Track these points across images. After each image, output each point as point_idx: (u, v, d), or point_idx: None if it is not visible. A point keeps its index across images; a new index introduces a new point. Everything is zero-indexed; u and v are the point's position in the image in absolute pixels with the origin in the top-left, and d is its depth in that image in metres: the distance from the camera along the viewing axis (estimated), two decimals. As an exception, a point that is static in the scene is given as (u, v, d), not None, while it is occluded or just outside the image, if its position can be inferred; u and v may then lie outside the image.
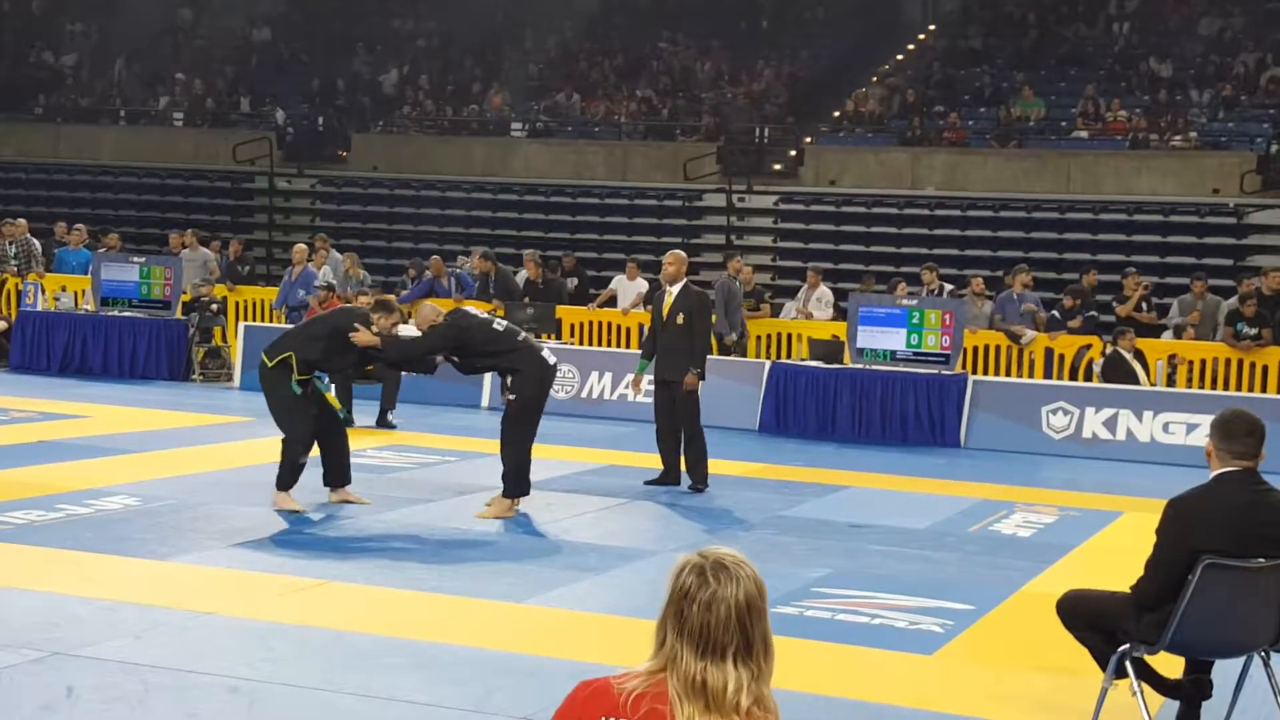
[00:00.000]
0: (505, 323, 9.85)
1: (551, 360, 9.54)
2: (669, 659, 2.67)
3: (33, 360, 16.49)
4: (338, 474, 9.48)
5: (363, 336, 9.13)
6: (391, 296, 10.14)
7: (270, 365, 9.18)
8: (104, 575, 7.34)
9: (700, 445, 10.71)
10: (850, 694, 5.94)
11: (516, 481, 9.37)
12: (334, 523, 8.94)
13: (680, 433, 10.73)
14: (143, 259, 17.19)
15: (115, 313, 16.53)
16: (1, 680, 5.56)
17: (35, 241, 19.15)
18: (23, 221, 19.40)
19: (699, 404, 10.70)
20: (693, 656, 2.65)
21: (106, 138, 27.45)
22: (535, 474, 10.22)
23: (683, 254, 11.14)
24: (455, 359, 9.48)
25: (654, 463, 11.98)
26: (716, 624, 2.64)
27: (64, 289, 17.54)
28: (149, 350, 16.36)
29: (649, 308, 17.32)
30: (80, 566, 7.48)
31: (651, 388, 11.29)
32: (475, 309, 10.41)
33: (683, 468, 10.78)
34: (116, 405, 13.90)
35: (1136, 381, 14.39)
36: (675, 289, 10.75)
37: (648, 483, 10.78)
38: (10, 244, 18.83)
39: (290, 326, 10.01)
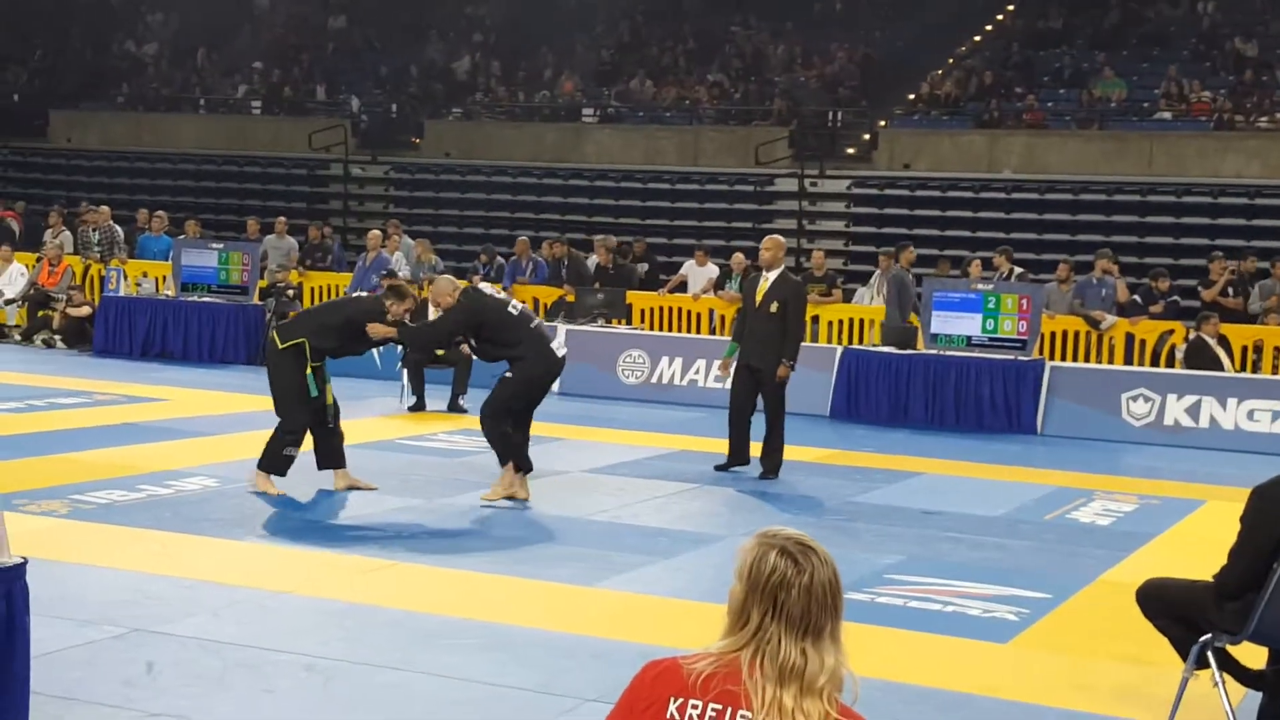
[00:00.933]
0: (521, 306, 9.58)
1: (561, 353, 9.41)
2: (758, 642, 2.65)
3: (115, 344, 16.79)
4: (332, 457, 9.29)
5: (378, 329, 8.99)
6: (402, 282, 9.97)
7: (281, 347, 9.05)
8: (183, 554, 7.45)
9: (780, 436, 10.59)
10: (924, 681, 5.88)
11: (504, 454, 9.16)
12: (405, 505, 9.01)
13: (750, 418, 10.64)
14: (221, 245, 17.43)
15: (195, 298, 16.78)
16: (84, 655, 5.67)
17: (118, 228, 19.51)
18: (105, 209, 19.77)
19: (784, 393, 10.55)
20: (792, 640, 2.64)
21: (186, 126, 27.87)
22: (607, 459, 10.24)
23: (781, 239, 10.93)
24: (473, 342, 9.35)
25: (724, 448, 11.95)
26: (817, 606, 2.64)
27: (145, 275, 17.84)
28: (227, 334, 16.59)
29: (720, 293, 17.36)
30: (161, 545, 7.61)
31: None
32: (491, 288, 10.25)
33: (754, 452, 10.69)
34: (196, 389, 14.13)
35: (1220, 368, 14.11)
36: (772, 275, 10.55)
37: (718, 468, 10.70)
38: (94, 231, 19.21)
39: (308, 308, 9.91)
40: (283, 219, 19.79)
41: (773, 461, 10.59)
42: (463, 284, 9.64)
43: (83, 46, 31.85)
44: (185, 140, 27.23)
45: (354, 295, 9.58)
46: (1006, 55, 25.63)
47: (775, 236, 10.95)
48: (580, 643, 6.21)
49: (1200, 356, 14.24)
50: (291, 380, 9.03)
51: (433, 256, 18.45)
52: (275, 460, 9.04)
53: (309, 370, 9.01)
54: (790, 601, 2.65)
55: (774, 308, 10.40)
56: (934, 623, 6.76)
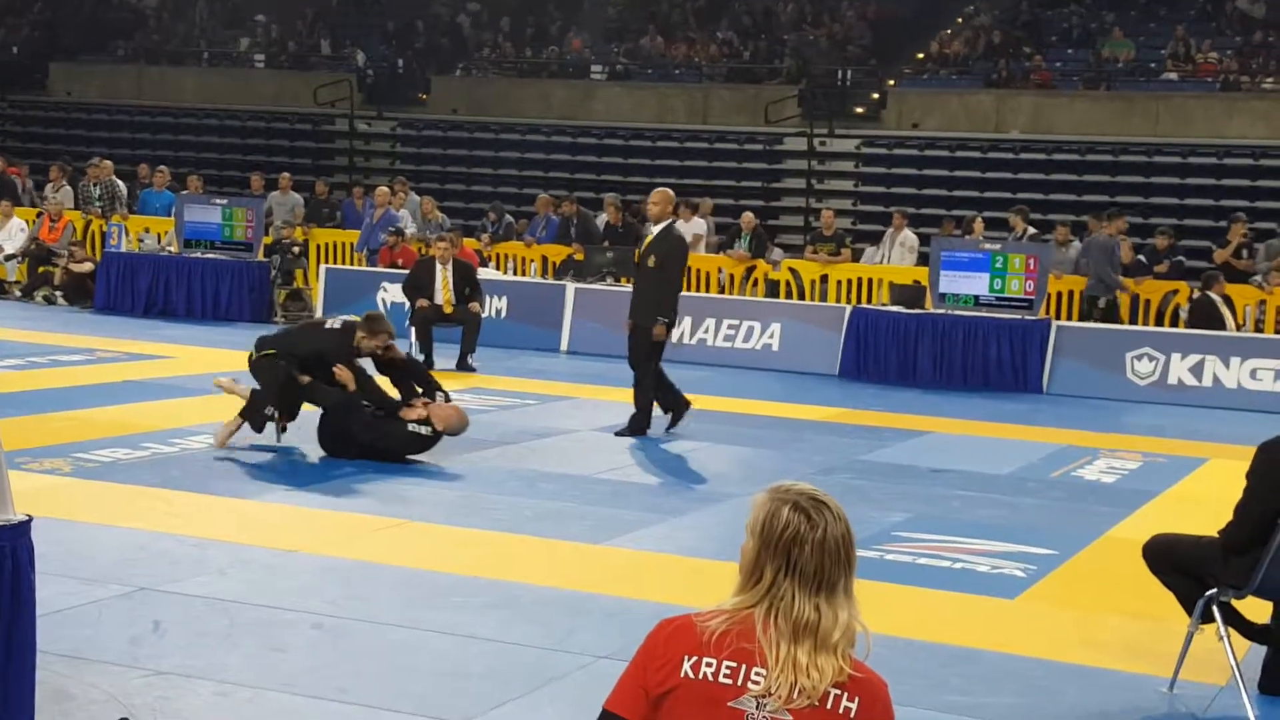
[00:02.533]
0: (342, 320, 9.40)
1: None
2: (771, 598, 2.64)
3: (117, 301, 16.75)
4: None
5: (343, 374, 8.85)
6: (381, 314, 9.54)
7: (255, 357, 9.17)
8: (190, 512, 7.46)
9: (648, 393, 10.12)
10: (932, 637, 5.89)
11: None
12: (413, 464, 9.00)
13: (659, 370, 10.17)
14: (225, 201, 17.37)
15: (198, 254, 16.74)
16: (90, 614, 5.68)
17: (120, 183, 19.42)
18: (108, 163, 19.68)
19: (659, 351, 10.09)
20: (805, 596, 2.62)
21: (188, 80, 27.71)
22: (616, 418, 10.27)
23: (669, 192, 10.27)
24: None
25: (735, 407, 11.99)
26: (830, 560, 2.63)
27: (147, 231, 17.78)
28: (231, 292, 16.54)
29: (729, 252, 17.30)
30: (167, 504, 7.61)
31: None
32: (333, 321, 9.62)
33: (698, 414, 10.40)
34: (200, 346, 14.11)
35: (1224, 327, 14.08)
36: (656, 229, 10.12)
37: (669, 429, 10.29)
38: (95, 186, 19.12)
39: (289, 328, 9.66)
40: (287, 175, 19.72)
41: (636, 423, 10.16)
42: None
43: (81, 1, 31.64)
44: (187, 94, 27.08)
45: (329, 327, 9.25)
46: (1015, 15, 25.43)
47: (663, 189, 10.31)
48: (591, 600, 6.22)
49: (1205, 315, 14.20)
50: (271, 375, 9.07)
51: (439, 214, 18.40)
52: (257, 418, 9.06)
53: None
54: (803, 557, 2.63)
55: (652, 262, 9.95)
56: (942, 579, 6.78)
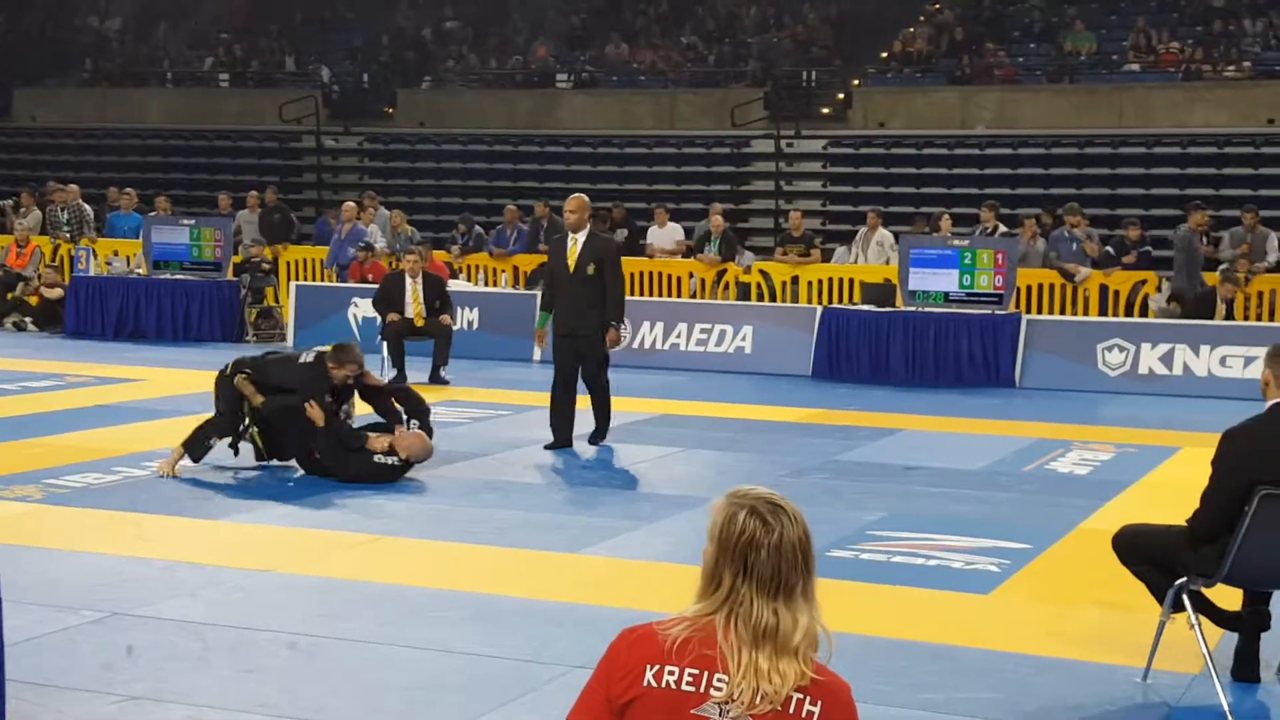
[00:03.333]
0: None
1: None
2: (730, 604, 2.65)
3: (87, 325, 16.66)
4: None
5: (313, 413, 8.77)
6: (350, 344, 9.35)
7: (228, 372, 9.08)
8: (161, 536, 7.42)
9: (608, 400, 10.02)
10: (907, 635, 5.91)
11: None
12: (389, 485, 8.96)
13: (575, 393, 9.98)
14: (193, 221, 17.29)
15: (167, 275, 16.66)
16: (62, 641, 5.64)
17: (87, 207, 19.32)
18: (74, 187, 19.58)
19: (608, 359, 9.99)
20: (763, 600, 2.63)
21: (153, 101, 27.58)
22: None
23: (584, 199, 10.02)
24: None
25: (708, 411, 12.00)
26: (786, 565, 2.63)
27: (116, 253, 17.69)
28: (202, 312, 16.47)
29: (700, 256, 17.30)
30: (138, 527, 7.57)
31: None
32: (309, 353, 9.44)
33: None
34: (170, 368, 14.04)
35: (1212, 318, 14.17)
36: (581, 236, 9.84)
37: (546, 447, 9.94)
38: (62, 210, 19.02)
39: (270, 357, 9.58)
40: (254, 193, 19.63)
41: (600, 429, 10.08)
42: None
43: (44, 23, 31.45)
44: (152, 115, 26.96)
45: (303, 360, 9.15)
46: (978, 11, 25.54)
47: (577, 196, 10.06)
48: (568, 610, 6.21)
49: (1206, 305, 14.29)
50: (229, 403, 9.07)
51: (409, 227, 18.36)
52: (200, 447, 9.02)
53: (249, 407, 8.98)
54: (760, 562, 2.63)
55: (591, 269, 9.73)
56: (917, 576, 6.79)
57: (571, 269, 9.81)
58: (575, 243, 9.85)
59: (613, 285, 9.80)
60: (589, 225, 9.98)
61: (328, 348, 9.17)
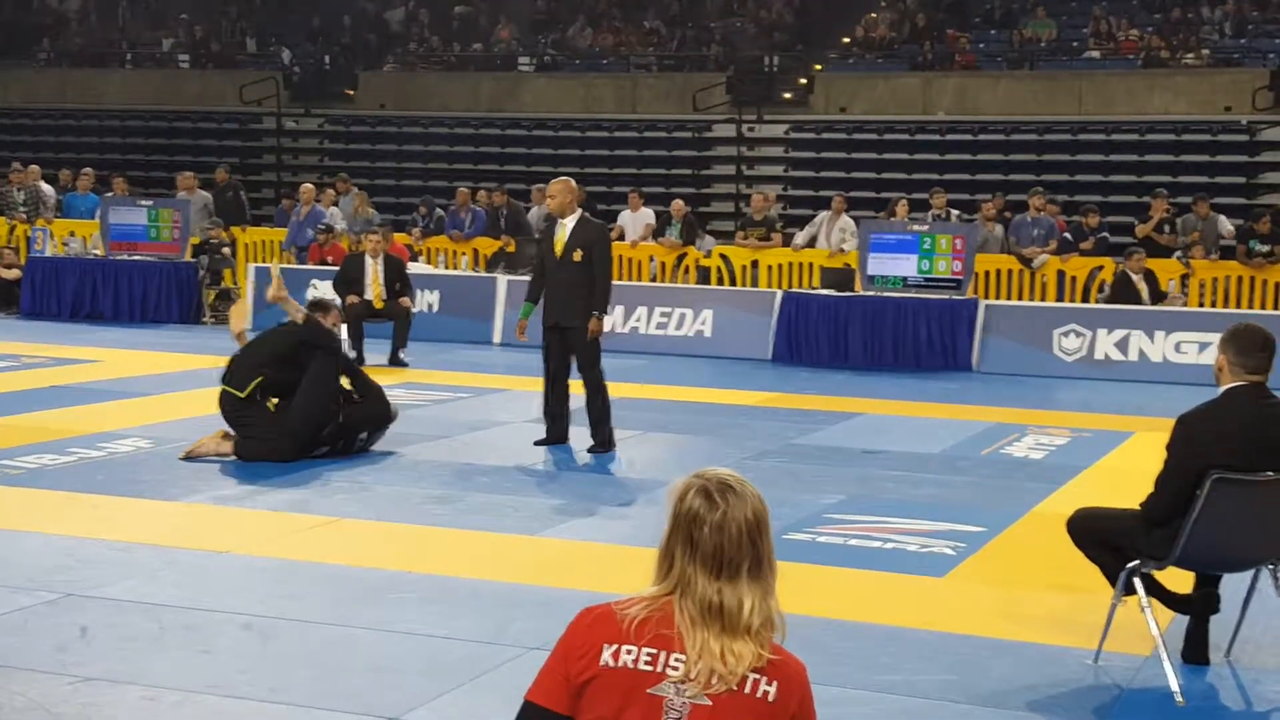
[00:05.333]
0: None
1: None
2: (679, 583, 2.67)
3: (43, 306, 16.51)
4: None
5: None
6: (321, 296, 9.45)
7: (243, 396, 8.85)
8: (117, 517, 7.37)
9: (605, 400, 9.40)
10: (862, 617, 5.95)
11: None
12: (345, 461, 8.95)
13: (568, 386, 9.52)
14: (150, 203, 17.14)
15: (124, 257, 16.51)
16: (16, 622, 5.61)
17: (45, 187, 19.10)
18: (34, 168, 19.34)
19: (600, 351, 9.43)
20: (707, 579, 2.64)
21: (112, 82, 27.30)
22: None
23: (570, 182, 9.51)
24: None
25: (668, 394, 12.03)
26: (730, 544, 2.64)
27: (72, 234, 17.52)
28: (159, 294, 16.35)
29: (661, 240, 17.33)
30: (93, 509, 7.52)
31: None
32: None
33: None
34: (127, 349, 13.94)
35: (1140, 302, 14.32)
36: (570, 221, 9.34)
37: (537, 443, 9.52)
38: (19, 190, 18.81)
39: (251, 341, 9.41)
40: (189, 173, 19.09)
41: (602, 432, 9.43)
42: None
43: (3, 3, 31.06)
44: (112, 96, 26.67)
45: (284, 323, 9.18)
46: (939, -4, 25.64)
47: (562, 179, 9.54)
48: (526, 591, 6.22)
49: (1124, 291, 14.45)
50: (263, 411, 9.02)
51: (370, 210, 18.26)
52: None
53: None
54: (703, 539, 2.65)
55: (577, 256, 9.25)
56: (873, 560, 6.84)
57: (559, 255, 9.31)
58: (564, 228, 9.36)
59: (600, 273, 9.29)
60: (579, 211, 9.42)
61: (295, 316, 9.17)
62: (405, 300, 13.80)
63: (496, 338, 15.36)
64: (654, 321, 15.07)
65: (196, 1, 29.60)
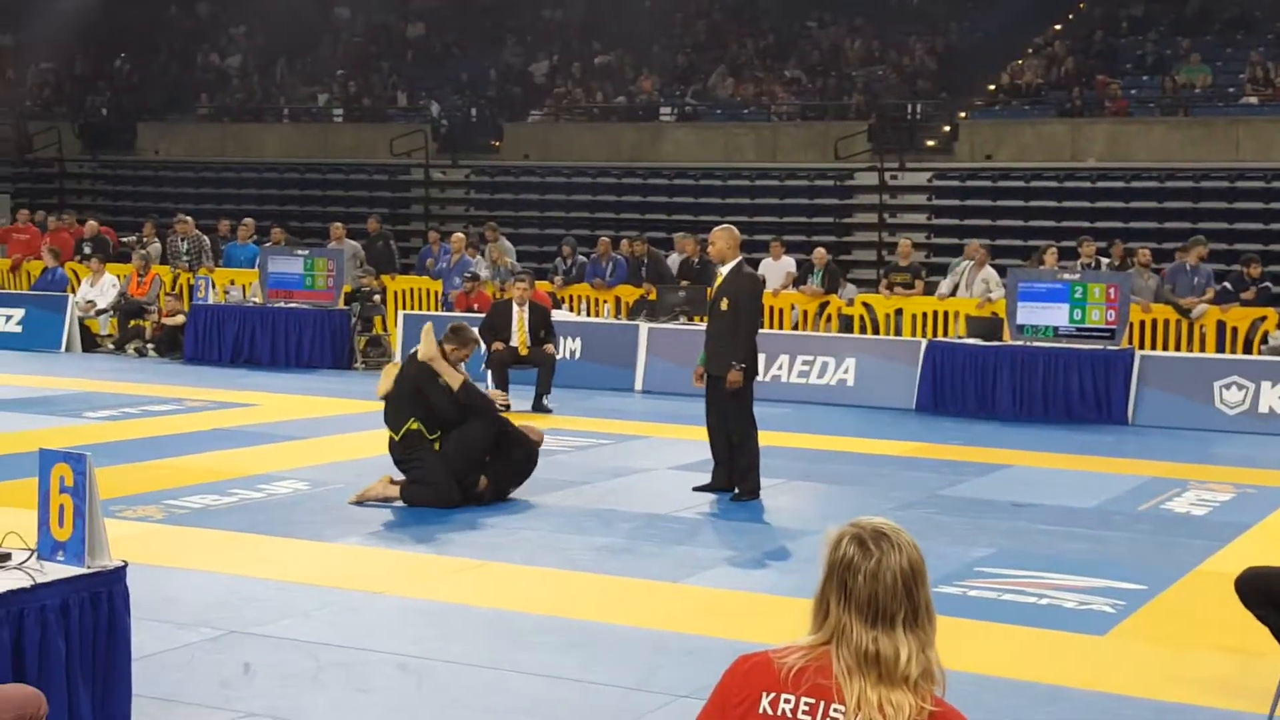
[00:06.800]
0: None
1: None
2: (835, 632, 2.64)
3: (205, 352, 17.07)
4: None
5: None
6: (463, 324, 9.53)
7: (398, 439, 9.01)
8: (276, 557, 7.57)
9: (751, 450, 9.28)
10: (1020, 675, 5.81)
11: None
12: (493, 506, 9.06)
13: (728, 433, 9.38)
14: (306, 252, 17.65)
15: (281, 304, 17.02)
16: (182, 658, 5.77)
17: (205, 238, 19.85)
18: (190, 219, 20.11)
19: (749, 402, 9.30)
20: (863, 627, 2.62)
21: (270, 136, 28.27)
22: (692, 456, 10.24)
23: (733, 230, 9.41)
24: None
25: (812, 443, 11.93)
26: (885, 592, 2.61)
27: (233, 283, 18.12)
28: (314, 340, 16.81)
29: (802, 288, 17.27)
30: (254, 548, 7.73)
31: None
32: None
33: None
34: (283, 394, 14.33)
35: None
36: (725, 269, 9.29)
37: (697, 489, 9.49)
38: (182, 240, 19.56)
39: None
40: (339, 224, 19.63)
41: (749, 483, 9.30)
42: None
43: (168, 61, 32.43)
44: (269, 149, 27.63)
45: (418, 362, 9.32)
46: (1088, 43, 25.23)
47: (725, 227, 9.47)
48: (671, 639, 6.21)
49: None
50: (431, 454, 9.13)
51: (509, 260, 18.50)
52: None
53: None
54: (857, 587, 2.62)
55: (725, 305, 9.20)
56: (1028, 615, 6.68)
57: (711, 303, 9.46)
58: (720, 276, 9.40)
59: (745, 323, 9.17)
60: (738, 259, 9.31)
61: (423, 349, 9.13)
62: (549, 347, 13.96)
63: (638, 385, 15.43)
64: (796, 370, 14.99)
65: (349, 58, 30.55)
